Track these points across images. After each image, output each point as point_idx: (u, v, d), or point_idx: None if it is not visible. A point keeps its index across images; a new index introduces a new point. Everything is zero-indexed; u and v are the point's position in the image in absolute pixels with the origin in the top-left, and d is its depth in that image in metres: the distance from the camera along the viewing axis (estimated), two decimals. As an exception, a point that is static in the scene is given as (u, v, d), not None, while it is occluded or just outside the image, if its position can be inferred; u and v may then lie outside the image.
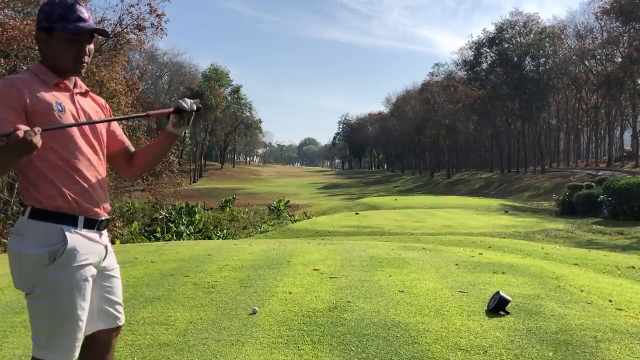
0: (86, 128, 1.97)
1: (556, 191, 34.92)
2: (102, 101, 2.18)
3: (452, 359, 3.05)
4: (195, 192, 52.80)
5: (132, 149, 2.22)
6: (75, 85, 2.01)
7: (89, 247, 1.92)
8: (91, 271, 1.93)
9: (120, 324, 2.10)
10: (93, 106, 2.08)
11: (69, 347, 1.87)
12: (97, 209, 1.96)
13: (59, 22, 1.87)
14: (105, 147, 2.10)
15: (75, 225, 1.89)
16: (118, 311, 2.08)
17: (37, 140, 1.55)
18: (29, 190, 1.87)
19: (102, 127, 2.07)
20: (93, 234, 1.95)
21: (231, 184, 73.50)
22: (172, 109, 2.08)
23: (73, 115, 1.93)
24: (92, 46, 1.98)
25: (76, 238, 1.88)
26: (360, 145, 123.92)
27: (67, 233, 1.85)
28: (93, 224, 1.95)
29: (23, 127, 1.53)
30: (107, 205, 2.03)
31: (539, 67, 63.67)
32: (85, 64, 1.96)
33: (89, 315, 1.94)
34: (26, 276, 1.84)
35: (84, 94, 2.05)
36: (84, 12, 1.92)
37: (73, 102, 1.96)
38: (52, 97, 1.89)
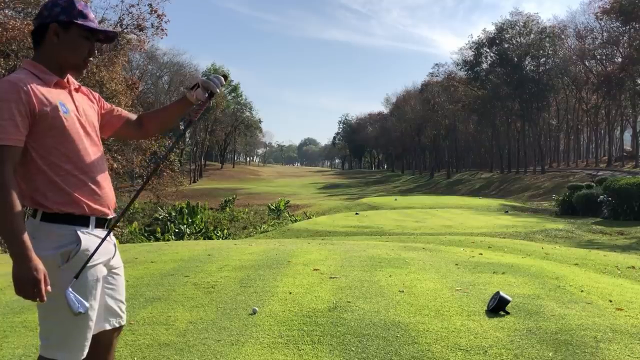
0: (88, 126, 1.97)
1: (556, 191, 34.91)
2: (92, 93, 2.15)
3: (452, 359, 3.05)
4: (195, 192, 52.78)
5: (133, 116, 2.28)
6: (68, 82, 1.99)
7: (100, 246, 1.92)
8: (102, 271, 1.94)
9: (123, 323, 2.10)
10: (87, 101, 2.07)
11: (79, 347, 1.87)
12: (106, 209, 1.97)
13: (80, 18, 1.87)
14: (105, 130, 2.14)
15: (88, 226, 1.89)
16: (122, 310, 2.09)
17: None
18: (34, 197, 1.85)
19: (95, 121, 2.06)
20: (103, 233, 1.96)
21: (231, 184, 73.46)
22: (206, 97, 2.19)
23: (75, 115, 1.92)
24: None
25: (89, 238, 1.88)
26: (360, 145, 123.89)
27: (80, 234, 1.85)
28: (103, 223, 1.96)
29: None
30: (114, 203, 2.04)
31: (539, 67, 63.65)
32: (88, 65, 1.98)
33: (97, 315, 1.95)
34: None
35: (77, 90, 2.03)
36: (92, 15, 1.96)
37: (72, 100, 1.95)
38: (56, 97, 1.86)
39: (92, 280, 1.88)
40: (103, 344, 2.04)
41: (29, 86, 1.79)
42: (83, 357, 1.90)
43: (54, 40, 1.88)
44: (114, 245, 2.04)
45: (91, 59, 1.96)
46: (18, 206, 1.71)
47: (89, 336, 1.89)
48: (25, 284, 1.67)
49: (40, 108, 1.80)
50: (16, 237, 1.68)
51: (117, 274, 2.08)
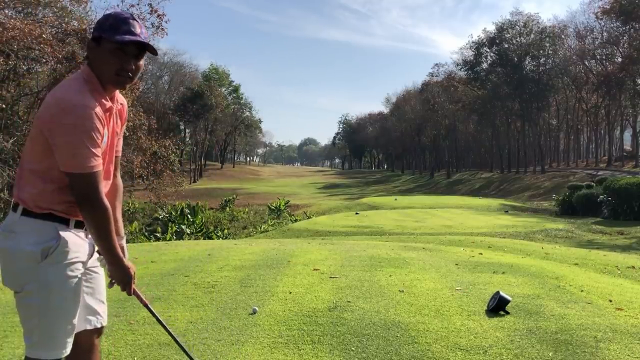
0: (109, 150, 2.00)
1: (556, 191, 34.90)
2: (126, 112, 2.15)
3: (452, 359, 3.06)
4: (195, 192, 52.77)
5: (116, 169, 2.18)
6: (112, 99, 1.99)
7: (80, 244, 1.94)
8: (81, 268, 1.95)
9: (104, 324, 2.10)
10: (120, 121, 2.09)
11: (62, 344, 1.88)
12: None
13: (108, 32, 1.87)
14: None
15: (67, 225, 1.91)
16: (102, 310, 2.09)
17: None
18: (23, 193, 1.87)
19: (116, 141, 2.07)
20: (81, 233, 1.98)
21: (231, 184, 73.44)
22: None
23: (107, 141, 1.96)
24: (141, 62, 1.95)
25: (68, 235, 1.89)
26: (360, 145, 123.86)
27: (60, 231, 1.87)
28: (82, 224, 1.98)
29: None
30: None
31: (539, 67, 63.65)
32: (129, 78, 1.93)
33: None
34: (18, 274, 1.84)
35: (119, 109, 2.07)
36: (137, 27, 1.90)
37: (109, 124, 1.97)
38: (105, 126, 1.91)
39: (72, 277, 1.88)
40: (83, 346, 2.03)
41: (100, 115, 1.86)
42: (67, 354, 1.91)
43: (91, 56, 1.93)
44: (92, 245, 2.05)
45: (130, 73, 1.92)
46: (113, 224, 1.93)
47: (72, 333, 1.91)
48: (126, 283, 2.03)
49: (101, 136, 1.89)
50: (115, 250, 1.95)
51: (96, 273, 2.09)
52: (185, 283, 4.90)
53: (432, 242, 10.40)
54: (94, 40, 1.90)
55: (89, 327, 2.04)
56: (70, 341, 1.90)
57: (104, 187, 2.01)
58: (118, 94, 2.04)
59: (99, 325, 2.07)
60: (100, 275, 2.12)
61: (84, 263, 1.98)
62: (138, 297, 2.16)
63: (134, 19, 1.92)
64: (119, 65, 1.88)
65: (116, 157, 2.13)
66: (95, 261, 2.09)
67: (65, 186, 1.86)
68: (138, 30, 1.90)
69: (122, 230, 2.20)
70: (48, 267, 1.83)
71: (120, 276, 2.00)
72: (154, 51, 1.95)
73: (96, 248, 2.08)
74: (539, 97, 61.45)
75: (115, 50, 1.87)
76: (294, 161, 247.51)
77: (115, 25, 1.87)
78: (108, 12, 2.02)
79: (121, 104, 2.08)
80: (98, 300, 2.07)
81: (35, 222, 1.85)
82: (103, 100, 1.90)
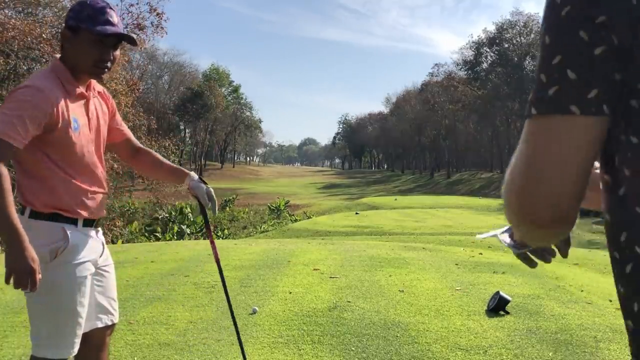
0: (95, 137, 1.98)
1: (556, 191, 34.88)
2: (110, 99, 2.16)
3: (452, 358, 3.06)
4: (195, 192, 52.67)
5: (136, 143, 2.26)
6: (88, 88, 1.98)
7: (89, 244, 1.95)
8: (90, 269, 1.95)
9: (115, 321, 2.11)
10: (103, 108, 2.08)
11: (69, 343, 1.88)
12: (94, 214, 1.99)
13: (87, 22, 1.84)
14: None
15: (75, 224, 1.92)
16: (113, 307, 2.10)
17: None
18: (25, 195, 1.87)
19: (105, 129, 2.07)
20: (91, 232, 1.98)
21: (231, 184, 73.41)
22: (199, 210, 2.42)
23: (85, 128, 1.93)
24: (117, 52, 1.93)
25: (77, 235, 1.90)
26: (360, 145, 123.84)
27: (68, 231, 1.87)
28: (91, 223, 1.98)
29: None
30: (104, 206, 2.06)
31: (539, 67, 63.71)
32: (107, 69, 1.91)
33: (87, 313, 1.96)
34: None
35: (97, 95, 2.05)
36: (114, 17, 1.88)
37: (87, 111, 1.96)
38: (72, 112, 1.88)
39: (80, 277, 1.89)
40: (95, 342, 2.04)
41: (55, 99, 1.81)
42: (74, 354, 1.91)
43: (66, 45, 1.89)
44: (102, 243, 2.06)
45: (108, 64, 1.89)
46: (12, 197, 1.72)
47: (79, 333, 1.91)
48: (23, 273, 1.68)
49: (55, 122, 1.82)
50: (15, 228, 1.69)
51: (107, 272, 2.09)
52: (185, 283, 4.90)
53: (432, 242, 10.40)
54: (70, 30, 1.86)
55: (100, 325, 2.05)
56: (77, 341, 1.91)
57: (97, 168, 1.99)
58: (94, 82, 2.02)
59: (110, 323, 2.09)
60: (111, 274, 2.13)
61: (94, 262, 1.99)
62: (214, 250, 2.34)
63: (111, 7, 1.90)
64: (97, 57, 1.86)
65: (126, 138, 2.21)
66: (106, 260, 2.09)
67: (62, 182, 1.86)
68: (115, 20, 1.88)
69: (183, 170, 2.29)
70: (57, 267, 1.84)
71: (19, 265, 1.67)
72: (134, 42, 1.93)
73: (105, 246, 2.08)
74: (539, 97, 61.45)
75: (95, 42, 1.84)
76: (293, 161, 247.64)
77: (93, 15, 1.84)
78: None
79: (98, 91, 2.06)
80: (109, 298, 2.08)
81: (43, 223, 1.85)
82: (71, 86, 1.88)
